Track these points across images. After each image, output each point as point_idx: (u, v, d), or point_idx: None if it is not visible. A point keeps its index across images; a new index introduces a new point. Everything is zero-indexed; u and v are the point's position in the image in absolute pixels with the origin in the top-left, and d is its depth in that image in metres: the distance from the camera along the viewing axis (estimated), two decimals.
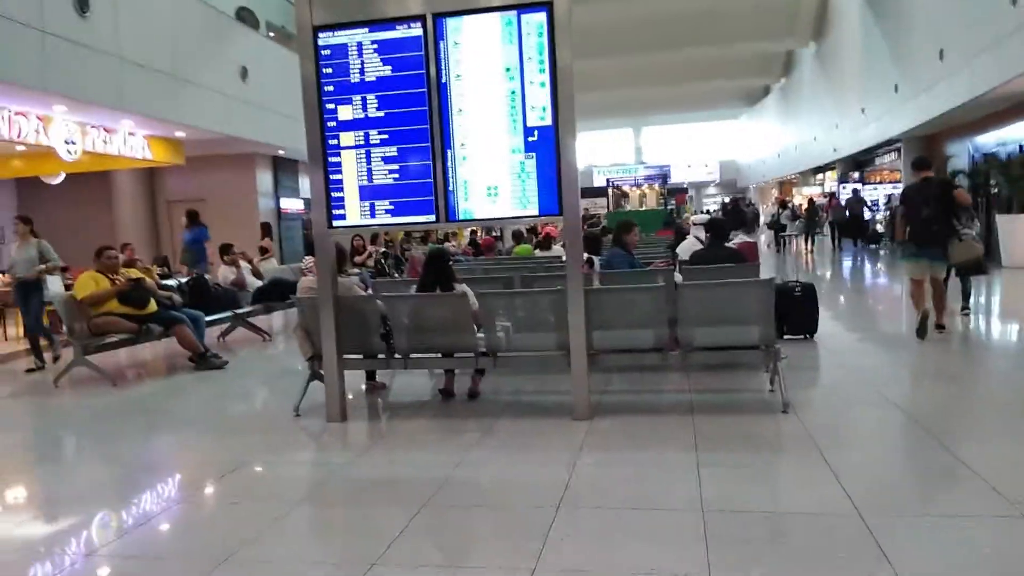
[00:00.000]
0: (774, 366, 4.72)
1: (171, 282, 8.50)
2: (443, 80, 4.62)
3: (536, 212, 4.61)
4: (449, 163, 4.66)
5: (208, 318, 8.11)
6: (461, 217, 4.72)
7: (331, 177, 4.83)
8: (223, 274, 9.20)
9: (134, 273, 7.46)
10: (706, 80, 34.27)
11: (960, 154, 17.54)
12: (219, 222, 15.38)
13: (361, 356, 5.25)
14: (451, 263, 5.32)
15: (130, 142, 11.84)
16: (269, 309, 9.44)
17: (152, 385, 7.04)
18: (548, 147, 4.53)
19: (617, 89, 32.60)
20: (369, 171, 4.78)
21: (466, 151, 4.65)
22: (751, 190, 45.44)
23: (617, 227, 6.73)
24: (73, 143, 10.57)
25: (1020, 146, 13.56)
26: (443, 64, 4.61)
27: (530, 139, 4.56)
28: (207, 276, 9.21)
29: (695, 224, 7.71)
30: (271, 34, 16.29)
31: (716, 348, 4.78)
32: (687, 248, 7.20)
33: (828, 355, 6.54)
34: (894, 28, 18.63)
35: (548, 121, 4.52)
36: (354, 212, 4.84)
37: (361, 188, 4.80)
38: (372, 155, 4.77)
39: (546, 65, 4.49)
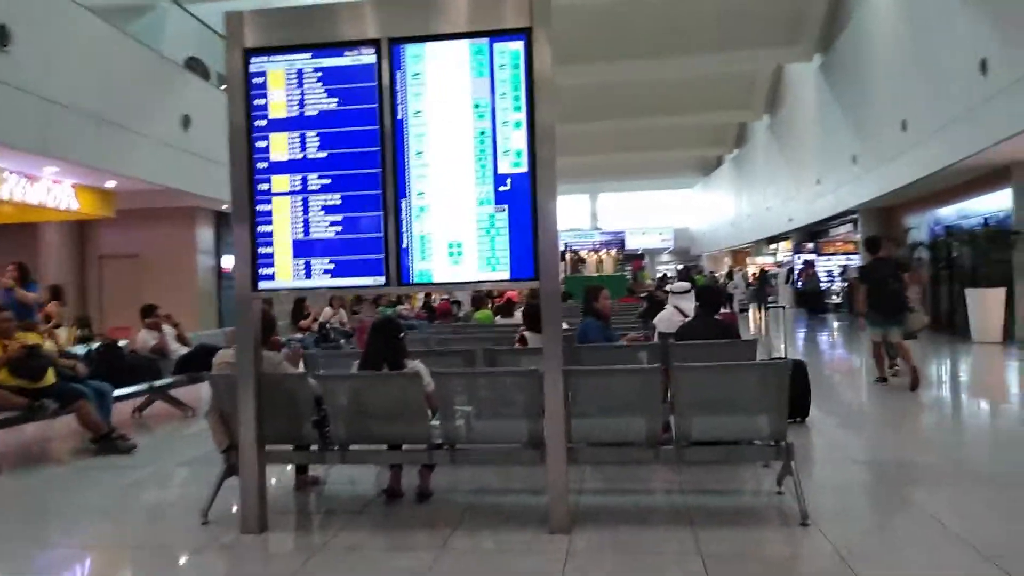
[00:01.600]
0: (787, 465, 3.93)
1: (79, 349, 7.39)
2: (399, 117, 3.86)
3: (507, 275, 3.82)
4: (404, 215, 3.87)
5: (121, 391, 7.05)
6: (416, 280, 3.90)
7: (259, 229, 3.98)
8: (142, 340, 8.15)
9: (31, 338, 6.39)
10: (663, 149, 34.59)
11: (920, 226, 17.49)
12: (153, 281, 14.29)
13: (290, 447, 4.32)
14: (403, 335, 4.45)
15: (55, 191, 10.80)
16: (194, 380, 8.36)
17: (39, 474, 5.91)
18: (523, 199, 3.78)
19: (574, 155, 32.61)
20: (306, 222, 3.95)
21: (424, 201, 3.87)
22: (703, 258, 45.70)
23: (586, 293, 5.96)
24: None
25: (984, 219, 13.42)
26: (400, 98, 3.86)
27: (502, 188, 3.80)
28: (122, 343, 8.12)
29: (674, 292, 6.93)
30: (224, 87, 15.53)
31: (717, 443, 3.99)
32: (666, 319, 6.47)
33: (830, 445, 5.79)
34: (853, 100, 18.76)
35: (523, 168, 3.78)
36: (285, 271, 3.98)
37: (296, 243, 3.96)
38: (310, 203, 3.95)
39: (523, 102, 3.77)
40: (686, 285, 6.68)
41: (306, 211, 3.95)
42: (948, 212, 15.97)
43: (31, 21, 8.89)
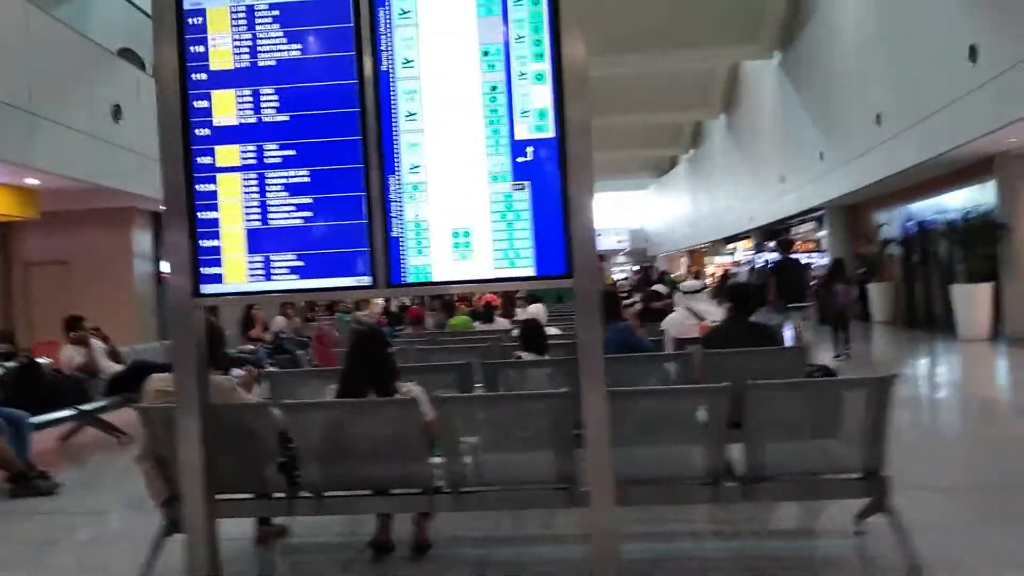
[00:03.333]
0: (881, 502, 3.14)
1: None
2: (383, 68, 2.97)
3: (531, 271, 2.95)
4: (393, 195, 2.98)
5: (41, 418, 5.98)
6: (411, 279, 3.00)
7: (199, 215, 3.04)
8: (67, 356, 7.04)
9: None
10: (617, 149, 34.09)
11: (891, 222, 17.17)
12: (86, 290, 12.98)
13: (248, 496, 3.39)
14: (391, 351, 3.53)
15: None
16: (129, 401, 7.24)
17: None
18: (549, 172, 2.92)
19: None
20: (264, 206, 3.03)
21: (419, 176, 2.98)
22: (659, 259, 45.45)
23: (607, 297, 5.08)
24: None
25: (966, 213, 13.06)
26: (384, 43, 2.98)
27: (521, 159, 2.94)
28: (43, 361, 6.99)
29: (685, 292, 6.16)
30: None
31: (793, 477, 3.19)
32: (678, 323, 5.68)
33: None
34: (819, 96, 18.40)
35: (549, 132, 2.92)
36: (237, 270, 3.05)
37: (251, 234, 3.04)
38: (268, 182, 3.03)
39: (546, 48, 2.92)
40: (698, 284, 5.90)
41: (263, 191, 3.03)
42: (921, 207, 15.64)
43: None
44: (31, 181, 10.34)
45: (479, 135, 2.95)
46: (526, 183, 2.94)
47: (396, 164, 2.98)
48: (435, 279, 2.99)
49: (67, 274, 13.49)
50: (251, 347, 10.69)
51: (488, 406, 3.30)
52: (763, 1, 20.60)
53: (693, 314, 5.65)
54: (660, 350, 5.33)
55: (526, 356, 4.61)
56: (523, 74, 2.93)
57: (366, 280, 3.00)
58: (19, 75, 9.16)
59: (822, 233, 23.39)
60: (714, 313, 5.63)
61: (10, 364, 6.52)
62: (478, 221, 2.96)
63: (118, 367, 7.36)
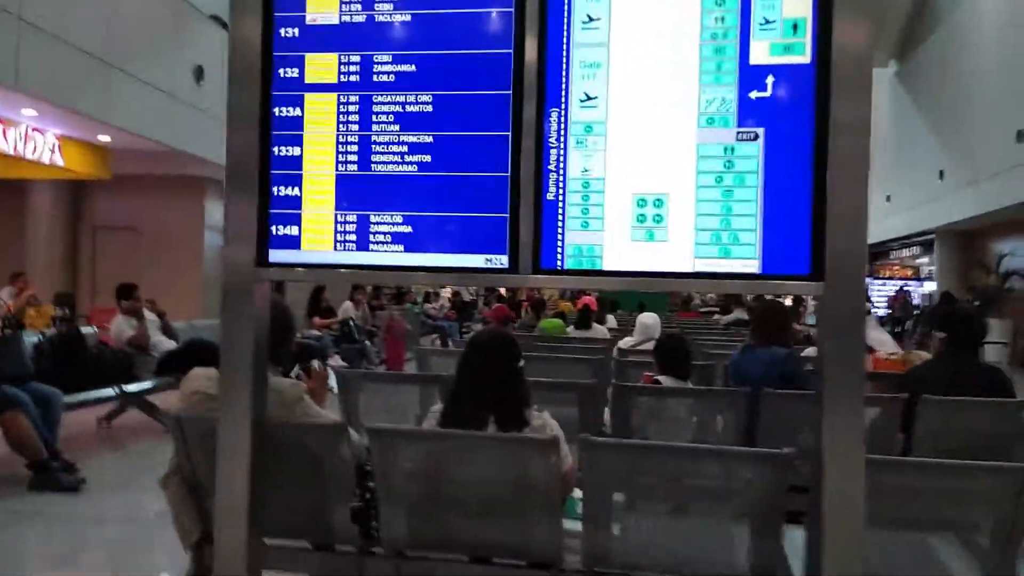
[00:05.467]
0: None
1: (32, 337, 5.56)
2: None
3: (755, 266, 1.94)
4: (553, 138, 2.02)
5: (78, 396, 5.27)
6: (569, 263, 2.02)
7: (275, 151, 2.14)
8: (117, 328, 6.33)
9: None
10: None
11: (1015, 252, 15.48)
12: (153, 259, 12.53)
13: (305, 545, 2.48)
14: (522, 365, 2.53)
15: (34, 140, 9.03)
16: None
17: None
18: (798, 117, 1.91)
19: None
20: (365, 144, 2.11)
21: (595, 114, 2.00)
22: None
23: (766, 315, 3.95)
24: None
25: None
26: None
27: (754, 94, 1.94)
28: (87, 330, 6.30)
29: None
30: None
31: None
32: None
33: None
34: (944, 109, 16.79)
35: (804, 55, 1.91)
36: (321, 233, 2.13)
37: (344, 182, 2.12)
38: (375, 109, 2.10)
39: None
40: (880, 311, 4.74)
41: (366, 122, 2.10)
42: None
43: None
44: (104, 138, 9.83)
45: (690, 54, 1.96)
46: (758, 131, 1.93)
47: (562, 92, 2.01)
48: (606, 266, 2.00)
49: (136, 241, 13.10)
50: (316, 333, 9.94)
51: (665, 459, 2.28)
52: (882, 10, 19.10)
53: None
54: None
55: (665, 381, 3.59)
56: None
57: (501, 260, 2.04)
58: (100, 25, 8.60)
59: (924, 260, 21.69)
60: (888, 344, 4.51)
61: (51, 332, 5.83)
62: (677, 185, 1.96)
63: (171, 344, 6.63)
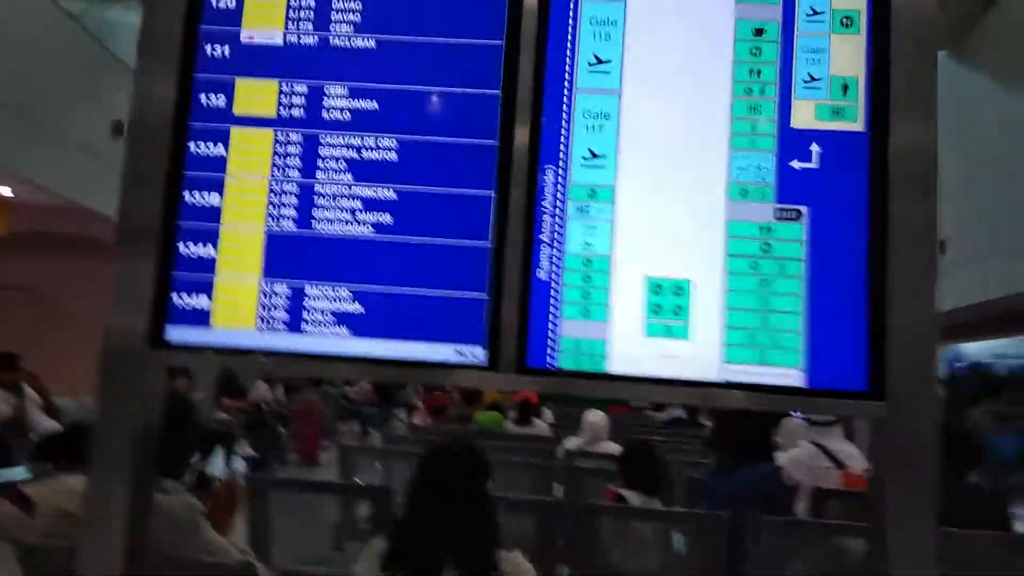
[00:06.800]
0: None
1: None
2: None
3: (798, 377, 1.54)
4: (548, 202, 1.60)
5: None
6: (563, 362, 1.57)
7: (186, 197, 1.65)
8: None
9: None
10: None
11: None
12: (48, 326, 11.47)
13: None
14: (490, 489, 1.99)
15: None
16: (63, 469, 5.63)
17: None
18: (851, 193, 1.56)
19: None
20: (306, 195, 1.65)
21: (603, 176, 1.61)
22: None
23: (738, 424, 3.49)
24: None
25: None
26: None
27: (797, 164, 1.58)
28: None
29: (815, 423, 4.67)
30: None
31: None
32: (804, 464, 4.19)
33: None
34: None
35: (856, 122, 1.58)
36: (240, 307, 1.63)
37: (275, 242, 1.64)
38: (322, 152, 1.65)
39: None
40: (831, 416, 4.42)
41: (309, 168, 1.65)
42: None
43: None
44: (5, 190, 8.99)
45: (721, 111, 1.60)
46: (802, 209, 1.57)
47: (561, 146, 1.62)
48: (611, 368, 1.57)
49: (31, 304, 12.00)
50: (223, 417, 9.06)
51: None
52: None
53: (827, 455, 4.20)
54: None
55: (630, 497, 3.12)
56: (815, 12, 1.61)
57: (476, 354, 1.58)
58: (16, 72, 7.96)
59: None
60: (856, 458, 4.18)
61: None
62: (702, 269, 1.57)
63: (54, 426, 5.78)
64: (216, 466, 5.56)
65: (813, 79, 1.59)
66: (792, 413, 4.59)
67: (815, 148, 1.58)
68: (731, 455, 3.40)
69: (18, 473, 5.32)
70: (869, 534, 2.91)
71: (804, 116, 1.59)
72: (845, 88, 1.58)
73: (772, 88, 1.59)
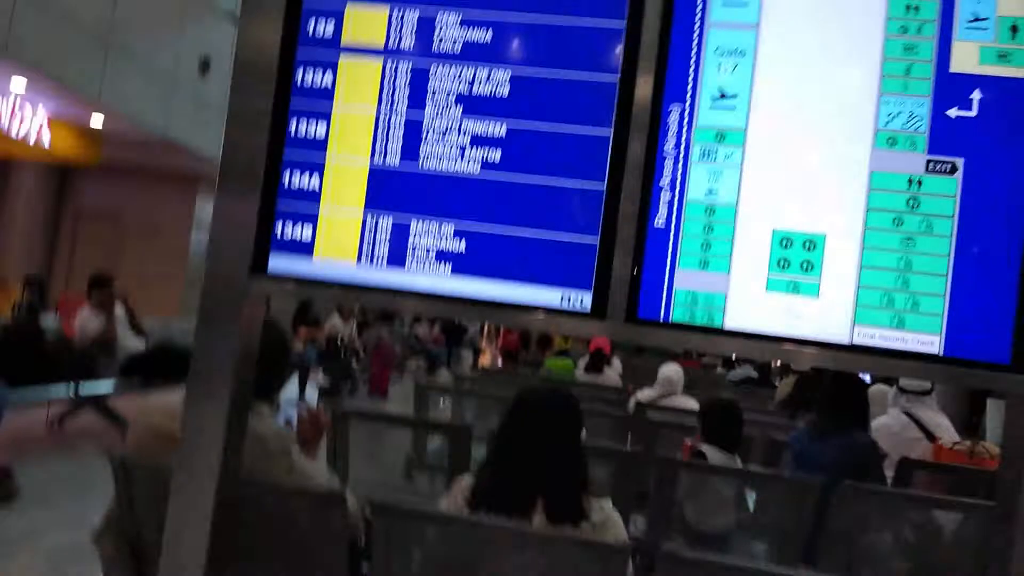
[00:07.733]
0: None
1: None
2: None
3: (936, 346, 1.42)
4: (670, 144, 1.50)
5: (27, 393, 4.66)
6: (677, 314, 1.49)
7: (291, 129, 1.61)
8: (82, 322, 5.72)
9: None
10: None
11: None
12: (134, 252, 11.92)
13: None
14: (582, 433, 1.93)
15: (21, 115, 8.46)
16: (148, 386, 5.85)
17: None
18: (1015, 150, 1.41)
19: None
20: (414, 130, 1.58)
21: (733, 117, 1.49)
22: None
23: (841, 389, 3.33)
24: None
25: None
26: None
27: (953, 113, 1.43)
28: (48, 321, 5.70)
29: (906, 391, 4.48)
30: None
31: None
32: (893, 433, 4.02)
33: None
34: None
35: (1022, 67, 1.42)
36: (343, 240, 1.60)
37: (377, 175, 1.59)
38: (432, 85, 1.58)
39: None
40: (926, 384, 4.21)
41: (419, 102, 1.58)
42: None
43: None
44: (97, 122, 9.26)
45: (870, 48, 1.45)
46: (957, 162, 1.42)
47: (689, 83, 1.50)
48: (728, 323, 1.47)
49: (119, 231, 12.47)
50: (299, 346, 9.29)
51: None
52: None
53: (919, 426, 4.02)
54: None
55: (709, 452, 3.05)
56: None
57: (583, 300, 1.51)
58: (105, 5, 8.10)
59: None
60: (948, 430, 4.00)
61: (5, 318, 5.22)
62: (838, 223, 1.45)
63: (140, 343, 6.02)
64: (292, 393, 5.68)
65: (978, 19, 1.42)
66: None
67: (976, 95, 1.42)
68: (828, 420, 3.26)
69: (104, 387, 5.61)
70: (970, 510, 2.78)
71: (965, 59, 1.42)
72: (1014, 30, 1.41)
73: (931, 27, 1.43)
